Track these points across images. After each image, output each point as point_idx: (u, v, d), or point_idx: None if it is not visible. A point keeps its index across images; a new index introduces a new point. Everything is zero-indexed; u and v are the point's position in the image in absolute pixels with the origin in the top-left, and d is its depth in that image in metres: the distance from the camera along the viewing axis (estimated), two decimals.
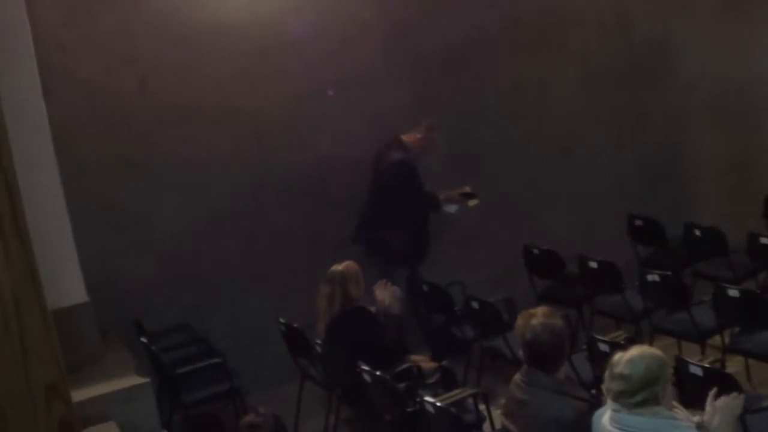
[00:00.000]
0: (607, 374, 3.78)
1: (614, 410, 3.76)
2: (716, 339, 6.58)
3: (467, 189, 7.79)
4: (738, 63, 9.20)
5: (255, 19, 7.29)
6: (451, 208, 7.78)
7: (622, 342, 5.63)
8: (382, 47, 7.75)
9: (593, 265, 7.24)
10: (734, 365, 6.31)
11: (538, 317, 4.29)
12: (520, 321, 4.35)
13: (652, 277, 6.76)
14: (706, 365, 5.06)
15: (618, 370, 3.71)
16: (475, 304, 6.72)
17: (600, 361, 5.49)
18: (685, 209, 8.78)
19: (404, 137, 7.56)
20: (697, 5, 9.05)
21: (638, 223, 8.29)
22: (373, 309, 5.97)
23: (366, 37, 7.69)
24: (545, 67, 8.41)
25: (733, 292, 6.23)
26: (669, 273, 6.76)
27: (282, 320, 6.60)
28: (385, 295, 6.01)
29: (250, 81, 7.31)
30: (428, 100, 7.95)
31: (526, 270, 7.85)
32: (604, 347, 5.56)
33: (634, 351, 3.78)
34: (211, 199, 7.29)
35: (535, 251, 7.79)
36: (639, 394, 3.65)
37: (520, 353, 4.65)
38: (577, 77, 8.54)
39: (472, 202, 7.80)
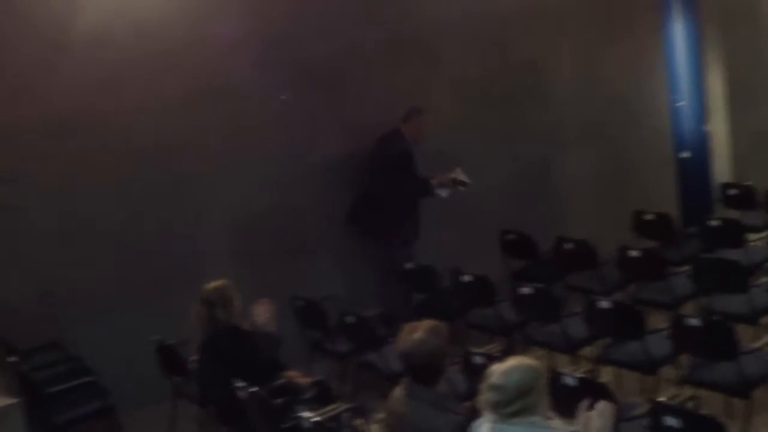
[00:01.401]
0: (483, 386, 3.87)
1: (492, 422, 3.84)
2: (588, 350, 6.81)
3: (459, 173, 8.29)
4: (610, 81, 9.55)
5: (130, 27, 7.26)
6: (443, 192, 8.32)
7: (497, 354, 5.80)
8: (258, 59, 7.78)
9: (467, 279, 7.40)
10: (606, 375, 6.54)
11: (419, 331, 4.37)
12: (402, 334, 4.43)
13: (525, 290, 6.94)
14: (580, 376, 5.24)
15: (493, 381, 3.80)
16: (350, 319, 6.79)
17: (475, 373, 5.63)
18: (557, 223, 9.04)
19: (401, 126, 8.13)
20: (571, 26, 9.42)
21: (510, 237, 8.51)
22: (252, 325, 5.98)
23: (243, 48, 7.70)
24: (420, 83, 8.54)
25: (604, 304, 6.45)
26: (541, 286, 6.94)
27: (155, 337, 6.55)
28: (261, 313, 6.04)
29: (121, 89, 7.26)
30: (303, 114, 8.00)
31: (402, 284, 7.97)
32: (478, 360, 5.68)
33: (509, 362, 3.88)
34: (81, 212, 7.20)
35: (410, 266, 7.91)
36: (514, 404, 3.74)
37: (398, 367, 4.82)
38: (452, 94, 8.71)
39: (463, 187, 8.31)
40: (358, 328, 6.79)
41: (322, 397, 5.72)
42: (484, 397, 3.81)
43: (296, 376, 6.00)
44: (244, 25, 7.69)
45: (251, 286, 6.48)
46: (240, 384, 5.45)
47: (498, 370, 3.82)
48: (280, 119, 7.93)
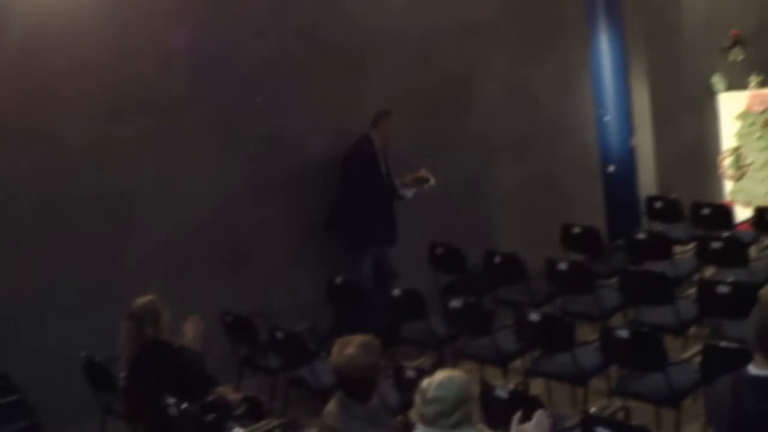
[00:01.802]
0: (418, 400, 3.87)
1: None
2: (518, 362, 6.88)
3: (423, 172, 8.54)
4: (538, 95, 9.67)
5: (57, 39, 7.17)
6: (408, 192, 8.61)
7: (428, 368, 5.83)
8: (186, 72, 7.73)
9: (396, 292, 7.43)
10: (536, 387, 6.61)
11: (352, 346, 4.36)
12: (335, 349, 4.42)
13: (455, 304, 6.99)
14: (511, 388, 5.29)
15: (431, 394, 3.82)
16: (280, 334, 6.77)
17: (407, 387, 5.66)
18: (486, 237, 9.11)
19: (369, 132, 8.39)
20: (500, 41, 9.52)
21: (439, 251, 8.55)
22: (181, 342, 5.93)
23: (174, 59, 7.65)
24: (350, 93, 8.56)
25: (533, 316, 6.53)
26: (471, 299, 7.00)
27: (83, 354, 6.46)
28: (190, 330, 5.99)
29: (49, 99, 7.17)
30: (232, 126, 7.97)
31: (328, 299, 7.97)
32: (410, 374, 5.70)
33: (442, 374, 3.91)
34: (3, 223, 7.07)
35: (338, 281, 7.92)
36: (455, 414, 3.77)
37: (329, 382, 4.77)
38: (382, 105, 8.73)
39: (426, 185, 8.57)
40: (289, 343, 6.77)
41: (253, 413, 5.70)
42: (423, 411, 3.82)
43: (227, 392, 5.96)
44: (174, 37, 7.62)
45: (182, 301, 6.43)
46: (170, 400, 5.40)
47: (433, 382, 3.84)
48: (210, 132, 7.87)
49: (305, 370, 6.63)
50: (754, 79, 10.99)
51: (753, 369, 3.87)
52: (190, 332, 5.98)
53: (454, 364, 6.86)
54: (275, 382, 7.12)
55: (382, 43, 8.74)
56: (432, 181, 8.59)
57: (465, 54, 9.26)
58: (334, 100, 8.47)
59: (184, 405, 5.34)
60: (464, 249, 8.38)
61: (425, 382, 3.88)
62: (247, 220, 8.06)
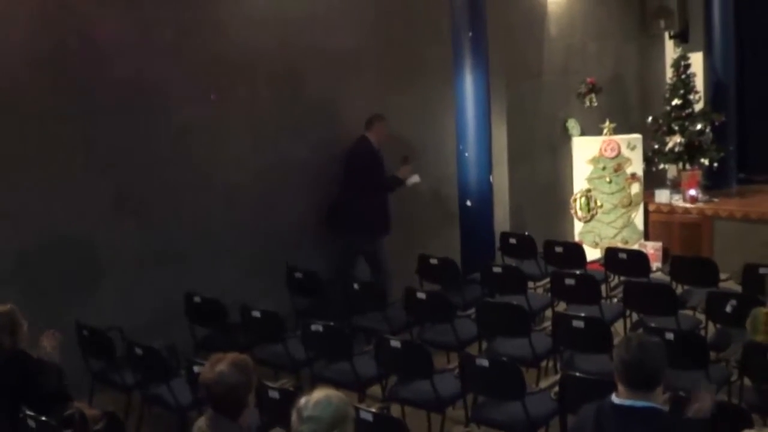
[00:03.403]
0: (294, 417, 3.89)
1: None
2: (375, 388, 6.93)
3: (405, 157, 9.47)
4: (402, 127, 9.83)
5: None
6: (414, 179, 9.50)
7: (291, 389, 5.83)
8: (52, 83, 7.54)
9: (256, 314, 7.42)
10: (394, 413, 6.65)
11: (223, 363, 4.33)
12: (206, 365, 4.39)
13: (316, 327, 7.03)
14: (375, 411, 5.34)
15: (307, 413, 3.84)
16: (138, 350, 6.66)
17: (270, 408, 5.65)
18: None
19: (365, 134, 9.24)
20: (368, 70, 9.69)
21: (298, 275, 8.58)
22: (38, 354, 5.76)
23: (37, 72, 7.45)
24: (215, 114, 8.51)
25: (394, 343, 6.62)
26: (331, 323, 7.04)
27: None
28: (48, 343, 5.84)
29: None
30: (98, 140, 7.81)
31: (187, 318, 7.88)
32: (273, 394, 5.69)
33: (319, 393, 3.94)
34: None
35: (197, 299, 7.84)
36: None
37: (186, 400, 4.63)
38: (247, 126, 8.73)
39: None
40: (146, 360, 6.65)
41: (111, 429, 5.56)
42: (299, 428, 3.84)
43: (84, 407, 5.81)
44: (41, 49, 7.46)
45: (38, 315, 6.25)
46: (28, 413, 5.24)
47: (311, 401, 3.87)
48: (76, 147, 7.69)
49: (163, 388, 6.53)
50: (607, 126, 11.45)
51: (616, 399, 4.07)
52: (48, 345, 5.83)
53: (310, 388, 6.86)
54: (129, 399, 6.99)
55: (250, 62, 8.73)
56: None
57: (332, 80, 9.36)
58: (197, 118, 8.42)
59: (43, 418, 5.20)
60: (322, 274, 8.42)
61: (303, 400, 3.90)
62: (107, 235, 7.88)
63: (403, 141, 9.86)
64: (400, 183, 9.41)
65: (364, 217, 9.15)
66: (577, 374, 5.95)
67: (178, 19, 8.26)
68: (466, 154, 9.69)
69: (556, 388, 5.99)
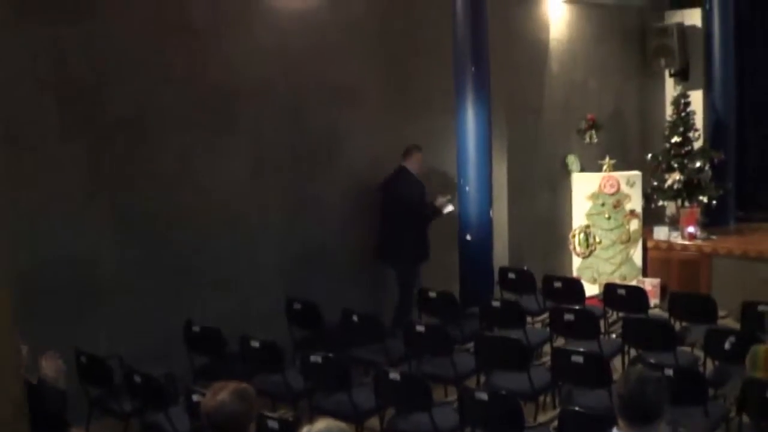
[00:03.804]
0: None
1: None
2: (373, 420, 6.94)
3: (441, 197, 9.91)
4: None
5: None
6: (449, 208, 9.87)
7: (290, 419, 5.85)
8: (57, 107, 7.59)
9: (255, 344, 7.43)
10: None
11: (225, 392, 4.34)
12: (208, 393, 4.40)
13: (315, 358, 7.04)
14: None
15: None
16: (137, 378, 6.67)
17: None
18: (341, 296, 9.15)
19: (403, 164, 9.69)
20: (369, 101, 9.80)
21: (297, 306, 8.59)
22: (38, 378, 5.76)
23: (41, 94, 7.50)
24: (216, 141, 8.57)
25: (393, 375, 6.63)
26: (330, 355, 7.06)
27: None
28: (50, 367, 5.83)
29: None
30: (102, 164, 7.86)
31: (186, 347, 7.88)
32: (272, 424, 5.70)
33: (322, 423, 3.96)
34: None
35: (196, 328, 7.85)
36: None
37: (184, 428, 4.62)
38: (248, 154, 8.79)
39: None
40: (145, 388, 6.66)
41: None
42: None
43: None
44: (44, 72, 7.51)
45: (36, 340, 6.24)
46: None
47: (312, 430, 3.87)
48: (72, 170, 7.73)
49: (160, 416, 6.53)
50: (606, 162, 11.51)
51: None
52: (50, 369, 5.82)
53: (309, 419, 6.88)
54: (127, 427, 6.99)
55: (253, 90, 8.80)
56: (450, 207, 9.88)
57: (333, 111, 9.44)
58: (198, 147, 8.48)
59: None
60: (321, 306, 8.44)
61: (305, 429, 3.91)
62: (106, 259, 7.91)
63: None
64: (438, 212, 9.81)
65: (410, 245, 9.64)
66: (577, 409, 5.97)
67: (188, 49, 8.36)
68: (467, 189, 9.72)
69: (555, 423, 6.01)
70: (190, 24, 8.37)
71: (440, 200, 9.83)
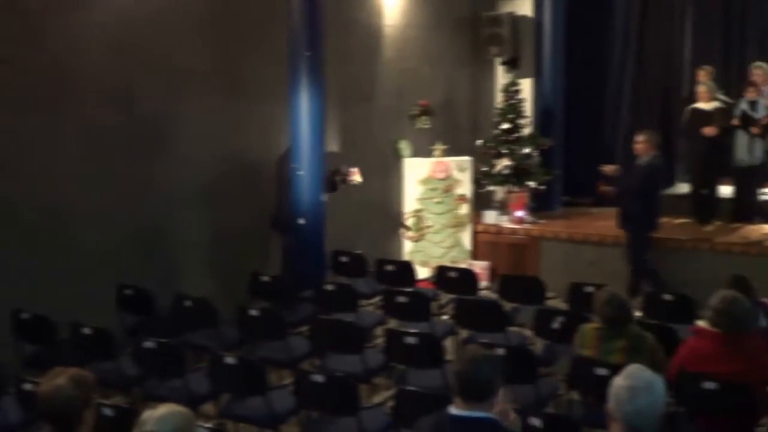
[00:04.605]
0: None
1: None
2: (208, 406, 6.98)
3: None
4: (236, 145, 9.99)
5: None
6: (356, 177, 10.55)
7: (126, 406, 5.83)
8: None
9: (87, 331, 7.34)
10: (228, 430, 6.74)
11: (62, 377, 4.31)
12: (45, 378, 4.37)
13: (148, 345, 7.01)
14: (209, 427, 5.39)
15: (148, 428, 3.89)
16: None
17: (104, 425, 5.60)
18: (177, 280, 9.17)
19: None
20: (203, 86, 9.72)
21: (128, 292, 8.51)
22: None
23: None
24: (45, 125, 8.40)
25: (228, 360, 6.68)
26: (164, 341, 7.05)
27: None
28: None
29: None
30: None
31: (13, 335, 7.72)
32: (108, 411, 5.66)
33: (164, 408, 4.00)
34: None
35: (24, 315, 7.70)
36: None
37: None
38: (79, 140, 8.64)
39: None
40: None
41: None
42: None
43: None
44: None
45: None
46: None
47: (153, 416, 3.93)
48: None
49: None
50: (438, 148, 11.80)
51: (453, 410, 4.22)
52: None
53: (142, 406, 6.86)
54: None
55: (84, 77, 8.66)
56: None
57: (166, 95, 9.35)
58: (25, 130, 8.28)
59: None
60: (154, 291, 8.40)
61: (146, 415, 3.96)
62: None
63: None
64: (344, 181, 10.47)
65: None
66: (412, 388, 6.16)
67: (17, 29, 8.15)
68: (300, 173, 9.80)
69: (391, 403, 6.19)
70: (17, 3, 8.17)
71: (346, 169, 10.40)
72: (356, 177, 10.47)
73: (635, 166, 10.43)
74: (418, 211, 11.72)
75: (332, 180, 10.22)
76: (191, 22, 9.59)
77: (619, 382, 3.89)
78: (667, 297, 8.20)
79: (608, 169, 10.73)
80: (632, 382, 3.86)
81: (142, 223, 9.25)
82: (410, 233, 11.72)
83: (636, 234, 10.58)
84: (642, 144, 10.35)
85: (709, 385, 5.73)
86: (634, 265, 10.55)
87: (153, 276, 8.90)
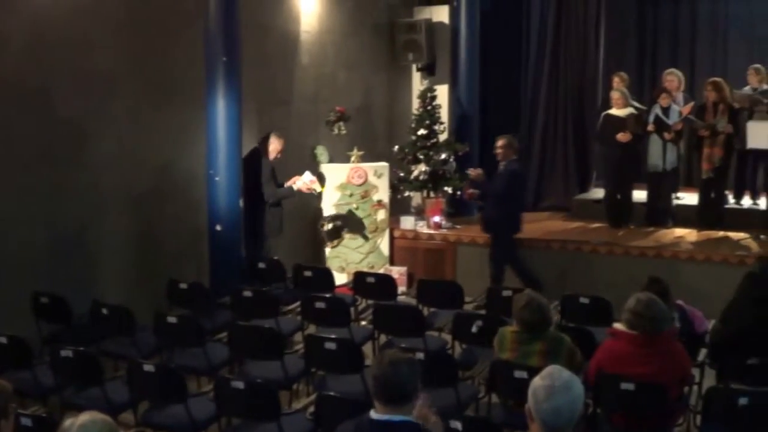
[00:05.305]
0: None
1: None
2: (127, 414, 6.99)
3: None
4: (153, 150, 9.99)
5: None
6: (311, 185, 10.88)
7: (44, 415, 5.83)
8: None
9: (2, 340, 7.31)
10: None
11: None
12: None
13: (65, 353, 6.99)
14: None
15: None
16: None
17: None
18: (92, 289, 9.11)
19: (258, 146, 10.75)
20: (122, 89, 9.68)
21: (44, 300, 8.45)
22: None
23: None
24: None
25: (147, 368, 6.71)
26: (82, 349, 7.04)
27: None
28: None
29: None
30: None
31: None
32: (26, 421, 5.66)
33: (85, 416, 4.05)
34: None
35: None
36: None
37: None
38: None
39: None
40: None
41: None
42: None
43: None
44: None
45: None
46: None
47: (75, 424, 3.97)
48: None
49: None
50: (354, 154, 11.91)
51: (374, 414, 4.33)
52: None
53: (60, 416, 6.84)
54: None
55: None
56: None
57: (84, 97, 9.29)
58: None
59: None
60: (70, 299, 8.36)
61: (67, 422, 3.99)
62: None
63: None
64: (291, 194, 10.86)
65: (261, 221, 10.65)
66: (332, 394, 6.25)
67: None
68: (217, 179, 9.84)
69: (311, 409, 6.28)
70: None
71: (302, 180, 10.76)
72: (315, 185, 10.74)
73: (497, 171, 10.73)
74: (335, 217, 11.78)
75: (277, 192, 10.70)
76: (109, 26, 9.55)
77: (537, 381, 3.99)
78: (584, 300, 8.41)
79: (473, 173, 11.02)
80: (550, 382, 3.95)
81: (59, 230, 9.17)
82: (332, 241, 11.79)
83: (498, 238, 10.89)
84: (501, 149, 10.66)
85: (627, 385, 5.94)
86: (493, 269, 10.92)
87: (70, 283, 8.86)
